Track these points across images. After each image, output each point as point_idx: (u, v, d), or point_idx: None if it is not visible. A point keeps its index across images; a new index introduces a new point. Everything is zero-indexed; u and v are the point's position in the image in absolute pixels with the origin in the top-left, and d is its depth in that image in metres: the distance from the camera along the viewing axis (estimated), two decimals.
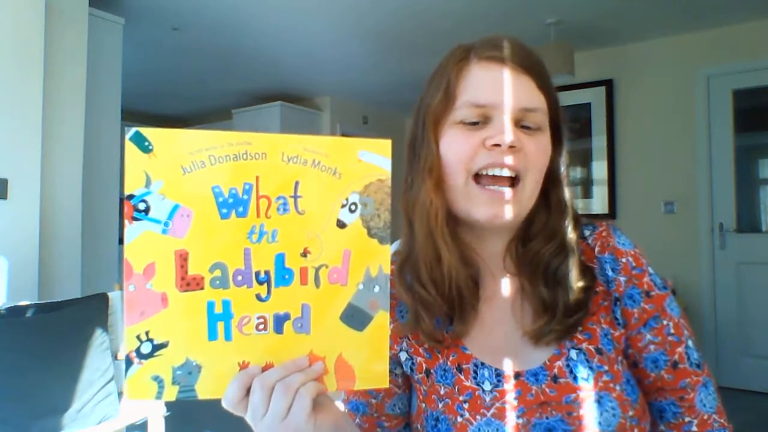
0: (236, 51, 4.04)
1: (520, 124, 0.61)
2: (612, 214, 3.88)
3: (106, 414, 1.86)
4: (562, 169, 0.67)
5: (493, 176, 0.60)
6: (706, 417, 0.62)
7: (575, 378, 0.60)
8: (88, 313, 1.99)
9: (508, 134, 0.58)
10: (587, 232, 0.67)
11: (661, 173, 3.74)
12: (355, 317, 0.52)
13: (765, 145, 3.66)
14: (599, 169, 3.95)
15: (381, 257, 0.52)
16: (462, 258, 0.64)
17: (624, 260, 0.64)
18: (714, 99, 3.60)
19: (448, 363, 0.65)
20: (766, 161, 3.68)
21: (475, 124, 0.61)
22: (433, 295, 0.63)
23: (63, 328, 1.88)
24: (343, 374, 0.52)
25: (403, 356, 0.69)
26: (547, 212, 0.65)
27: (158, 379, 0.48)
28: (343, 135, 5.57)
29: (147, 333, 0.48)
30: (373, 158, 0.51)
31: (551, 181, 0.66)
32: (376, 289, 0.52)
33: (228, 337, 0.49)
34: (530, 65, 0.61)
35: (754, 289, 3.45)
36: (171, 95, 5.40)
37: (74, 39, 2.59)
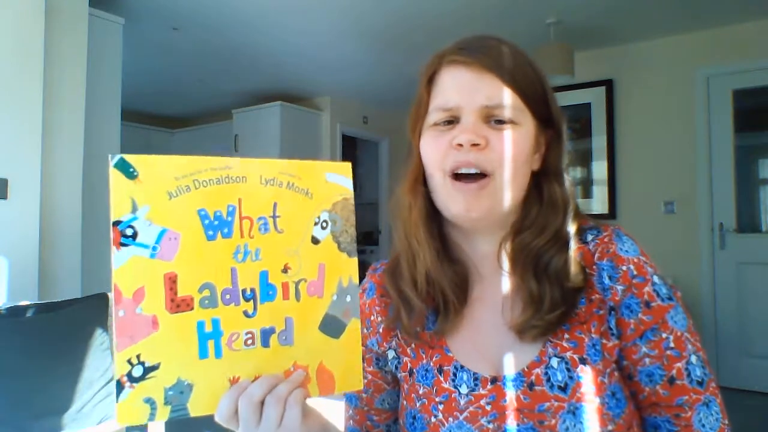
0: (236, 51, 4.04)
1: (490, 120, 0.62)
2: (612, 214, 3.88)
3: (106, 414, 1.86)
4: (560, 164, 0.67)
5: (467, 174, 0.62)
6: None
7: (552, 387, 0.59)
8: (88, 313, 1.99)
9: (468, 133, 0.61)
10: (590, 237, 0.65)
11: (661, 173, 3.74)
12: (332, 326, 0.55)
13: (765, 145, 3.66)
14: (599, 169, 3.95)
15: (350, 269, 0.56)
16: (446, 257, 0.67)
17: (624, 268, 0.61)
18: (714, 99, 3.60)
19: (431, 364, 0.66)
20: (766, 161, 3.68)
21: (448, 123, 0.63)
22: (411, 293, 0.66)
23: (63, 328, 1.88)
24: (324, 380, 0.55)
25: (390, 354, 0.71)
26: (539, 206, 0.65)
27: (150, 401, 0.49)
28: (344, 135, 5.57)
29: (138, 356, 0.48)
30: (338, 179, 0.56)
31: (544, 175, 0.66)
32: (348, 298, 0.56)
33: (218, 354, 0.51)
34: (494, 64, 0.62)
35: (754, 289, 3.45)
36: (171, 95, 5.40)
37: (74, 39, 2.59)
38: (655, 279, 0.62)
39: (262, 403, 0.51)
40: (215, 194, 0.51)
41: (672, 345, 0.60)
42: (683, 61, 3.69)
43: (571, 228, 0.65)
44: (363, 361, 0.70)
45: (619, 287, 0.61)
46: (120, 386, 0.48)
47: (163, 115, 6.25)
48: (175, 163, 0.50)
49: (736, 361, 3.47)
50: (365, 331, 0.73)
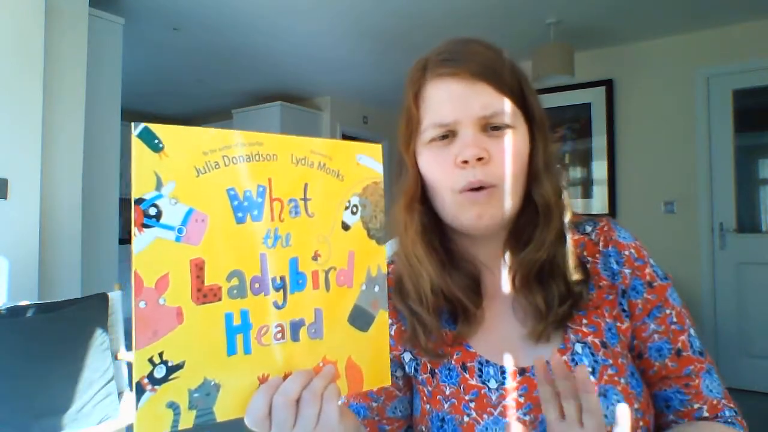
0: (236, 51, 4.04)
1: (488, 128, 0.61)
2: (612, 214, 3.88)
3: (106, 414, 1.86)
4: (550, 157, 0.66)
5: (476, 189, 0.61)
6: (715, 402, 0.62)
7: None
8: (88, 313, 1.99)
9: (471, 147, 0.59)
10: (589, 228, 0.68)
11: (661, 173, 3.74)
12: (361, 318, 0.52)
13: (765, 145, 3.66)
14: (599, 169, 3.95)
15: (379, 257, 0.53)
16: (452, 264, 0.66)
17: (627, 253, 0.65)
18: (714, 99, 3.60)
19: (453, 362, 0.65)
20: (766, 161, 3.67)
21: (444, 137, 0.62)
22: (422, 312, 0.65)
23: (63, 328, 1.88)
24: (353, 377, 0.51)
25: (407, 357, 0.69)
26: (534, 211, 0.64)
27: (173, 406, 0.43)
28: (344, 135, 5.57)
29: (161, 355, 0.42)
30: (369, 162, 0.53)
31: (531, 179, 0.64)
32: (376, 288, 0.53)
33: (247, 349, 0.46)
34: (483, 70, 0.61)
35: (754, 289, 3.45)
36: (171, 95, 5.40)
37: (74, 39, 2.59)
38: (652, 261, 0.66)
39: (297, 402, 0.47)
40: (245, 172, 0.46)
41: (675, 320, 0.64)
42: (683, 61, 3.68)
43: (569, 225, 0.66)
44: None
45: (627, 271, 0.64)
46: (140, 390, 0.41)
47: (163, 115, 6.25)
48: (203, 136, 0.45)
49: (736, 361, 3.47)
50: None
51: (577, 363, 0.61)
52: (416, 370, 0.68)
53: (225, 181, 0.45)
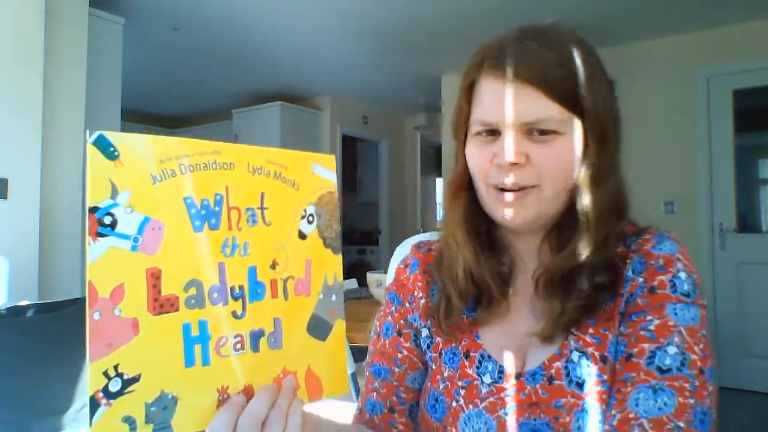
0: (236, 51, 4.04)
1: (533, 132, 0.60)
2: None
3: None
4: (604, 166, 0.63)
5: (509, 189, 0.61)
6: (632, 416, 0.53)
7: (570, 382, 0.59)
8: None
9: (510, 154, 0.59)
10: (633, 240, 0.65)
11: (661, 173, 3.74)
12: (319, 327, 0.52)
13: (765, 145, 3.67)
14: None
15: (335, 266, 0.54)
16: (490, 251, 0.67)
17: (652, 262, 0.60)
18: (714, 99, 3.60)
19: (459, 347, 0.67)
20: (766, 161, 3.68)
21: (491, 133, 0.62)
22: (452, 290, 0.66)
23: (63, 328, 1.88)
24: (313, 386, 0.52)
25: (424, 332, 0.71)
26: (576, 218, 0.62)
27: (130, 420, 0.42)
28: (344, 135, 5.57)
29: (116, 367, 0.41)
30: (323, 172, 0.54)
31: (575, 189, 0.62)
32: (333, 297, 0.53)
33: (206, 361, 0.45)
34: (534, 76, 0.59)
35: (754, 289, 3.45)
36: (171, 95, 5.40)
37: (74, 39, 2.59)
38: (681, 275, 0.58)
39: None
40: (202, 180, 0.46)
41: (651, 328, 0.56)
42: (683, 61, 3.69)
43: (611, 230, 0.62)
44: (401, 336, 0.72)
45: (639, 279, 0.59)
46: (95, 404, 0.40)
47: (163, 115, 6.25)
48: (160, 144, 0.44)
49: (736, 361, 3.47)
50: (408, 305, 0.73)
51: (569, 372, 0.59)
52: (429, 346, 0.71)
53: (182, 190, 0.45)
